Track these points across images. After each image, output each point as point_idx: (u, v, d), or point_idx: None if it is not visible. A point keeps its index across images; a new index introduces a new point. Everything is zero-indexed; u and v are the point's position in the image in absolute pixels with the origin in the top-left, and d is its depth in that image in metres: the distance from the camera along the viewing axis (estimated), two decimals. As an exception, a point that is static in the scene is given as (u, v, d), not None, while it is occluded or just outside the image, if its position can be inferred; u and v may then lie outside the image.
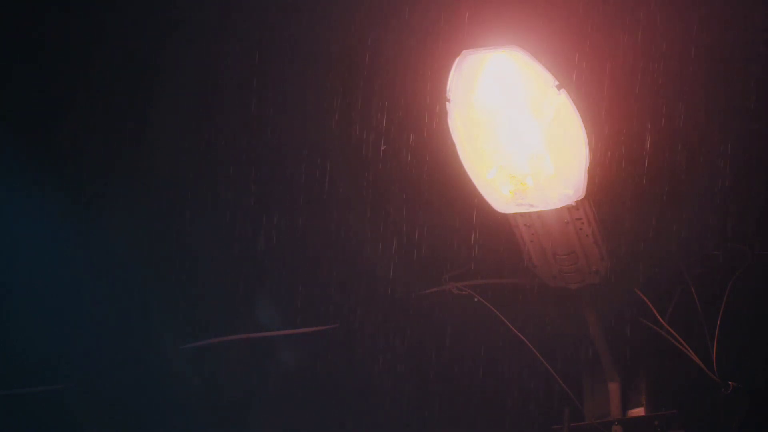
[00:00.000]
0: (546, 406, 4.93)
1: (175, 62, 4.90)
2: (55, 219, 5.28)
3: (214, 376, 5.46)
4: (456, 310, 5.00)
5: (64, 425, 5.60)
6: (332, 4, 4.64)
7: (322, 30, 4.70)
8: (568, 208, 4.10)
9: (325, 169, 4.97)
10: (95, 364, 5.49)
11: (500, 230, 4.41)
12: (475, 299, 4.85)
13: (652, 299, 4.70)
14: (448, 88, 3.93)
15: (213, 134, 5.03)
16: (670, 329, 4.69)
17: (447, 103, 3.95)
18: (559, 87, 3.87)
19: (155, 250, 5.29)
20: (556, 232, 4.20)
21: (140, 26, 4.81)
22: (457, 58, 3.87)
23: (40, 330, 5.47)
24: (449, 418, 5.26)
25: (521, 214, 4.17)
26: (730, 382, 4.62)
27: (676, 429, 4.67)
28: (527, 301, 4.79)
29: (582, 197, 4.05)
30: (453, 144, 4.03)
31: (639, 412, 4.75)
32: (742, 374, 4.64)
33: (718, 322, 4.63)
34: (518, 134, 3.99)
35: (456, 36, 3.95)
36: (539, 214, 4.15)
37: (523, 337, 4.83)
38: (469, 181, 4.08)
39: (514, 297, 4.84)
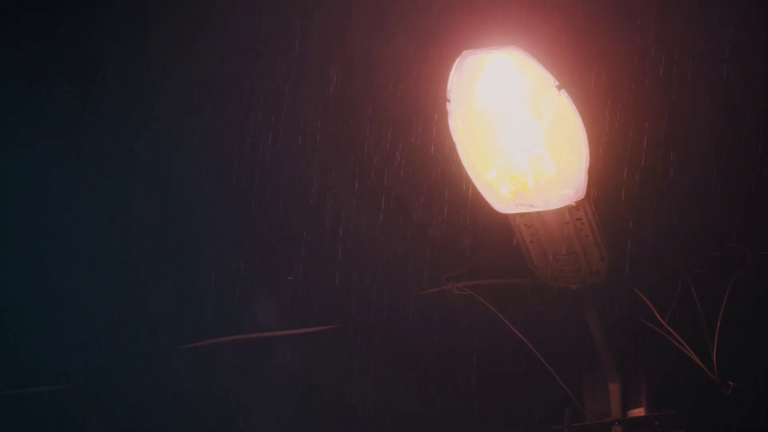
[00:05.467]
0: (546, 406, 4.93)
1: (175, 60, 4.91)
2: (56, 218, 5.28)
3: (214, 376, 5.46)
4: (456, 310, 5.00)
5: (64, 425, 5.60)
6: (332, 4, 4.64)
7: (323, 30, 4.70)
8: (569, 209, 4.10)
9: (325, 169, 4.97)
10: (95, 364, 5.49)
11: (500, 230, 4.41)
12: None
13: (652, 299, 4.70)
14: (448, 88, 3.92)
15: (211, 133, 5.03)
16: (670, 329, 4.69)
17: (447, 103, 3.95)
18: (559, 87, 3.87)
19: (154, 250, 5.30)
20: (556, 232, 4.20)
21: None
22: (457, 59, 3.87)
23: (40, 330, 5.47)
24: (449, 418, 5.26)
25: (521, 215, 4.16)
26: (730, 382, 4.62)
27: (676, 429, 4.67)
28: (527, 301, 4.79)
29: (582, 197, 4.05)
30: (453, 144, 4.03)
31: (639, 412, 4.75)
32: (742, 374, 4.64)
33: (718, 322, 4.63)
34: (518, 134, 3.99)
35: (456, 36, 3.95)
36: (539, 214, 4.15)
37: (523, 337, 4.83)
38: (469, 181, 4.08)
39: (514, 297, 4.84)
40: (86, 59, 4.92)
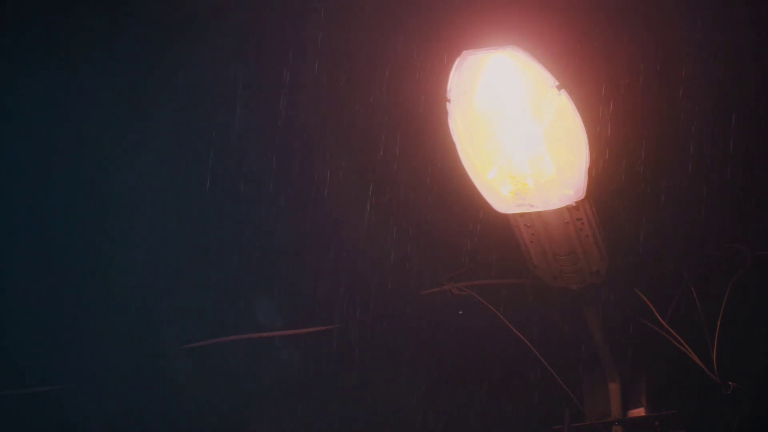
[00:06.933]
0: (546, 406, 4.93)
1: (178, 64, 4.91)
2: (56, 218, 5.29)
3: (214, 376, 5.46)
4: (456, 310, 5.00)
5: (64, 425, 5.60)
6: (333, 4, 4.64)
7: (323, 30, 4.70)
8: (569, 209, 4.10)
9: (326, 169, 4.97)
10: (95, 364, 5.49)
11: (500, 230, 4.41)
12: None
13: (652, 299, 4.70)
14: (448, 88, 3.92)
15: (211, 134, 5.03)
16: (670, 329, 4.69)
17: (447, 103, 3.95)
18: (559, 87, 3.87)
19: (155, 249, 5.30)
20: (556, 232, 4.20)
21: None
22: (458, 59, 3.87)
23: (40, 330, 5.47)
24: (449, 418, 5.26)
25: (521, 215, 4.16)
26: (730, 382, 4.62)
27: (676, 429, 4.67)
28: (527, 301, 4.79)
29: (582, 197, 4.05)
30: (453, 144, 4.03)
31: (639, 412, 4.75)
32: (742, 374, 4.64)
33: (718, 322, 4.63)
34: (518, 134, 3.99)
35: (456, 36, 3.95)
36: (539, 214, 4.15)
37: (523, 337, 4.83)
38: (470, 181, 4.08)
39: (514, 297, 4.84)
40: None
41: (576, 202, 4.07)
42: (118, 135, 5.06)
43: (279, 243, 5.20)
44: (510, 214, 4.17)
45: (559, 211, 4.12)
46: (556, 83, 3.86)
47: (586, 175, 4.00)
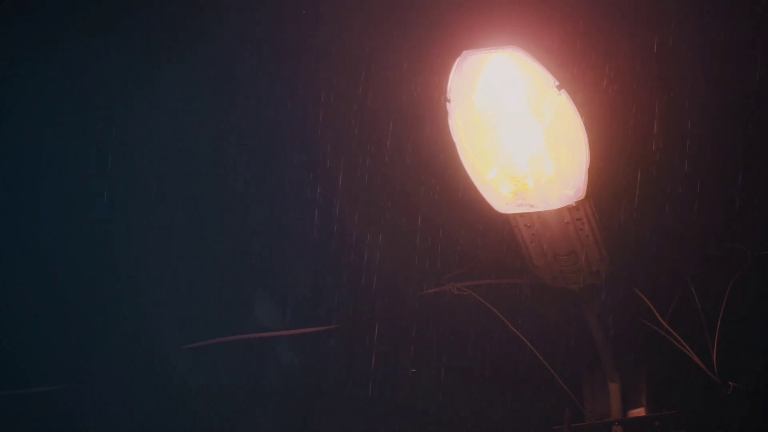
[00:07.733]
0: (546, 406, 4.93)
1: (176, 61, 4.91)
2: (56, 217, 5.29)
3: (214, 376, 5.46)
4: (456, 310, 5.00)
5: (64, 425, 5.60)
6: (333, 4, 4.64)
7: (323, 30, 4.70)
8: (569, 209, 4.10)
9: (325, 169, 4.97)
10: (95, 364, 5.49)
11: (500, 230, 4.41)
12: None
13: (652, 299, 4.70)
14: (448, 88, 3.93)
15: (211, 135, 5.03)
16: (670, 329, 4.69)
17: (447, 103, 3.95)
18: (559, 87, 3.87)
19: (154, 249, 5.30)
20: (556, 232, 4.20)
21: None
22: (458, 59, 3.87)
23: (40, 330, 5.46)
24: (449, 418, 5.26)
25: (521, 215, 4.17)
26: (730, 382, 4.62)
27: (676, 429, 4.67)
28: (527, 301, 4.79)
29: (582, 197, 4.05)
30: (453, 144, 4.03)
31: (639, 412, 4.75)
32: (742, 374, 4.64)
33: (718, 322, 4.63)
34: (519, 135, 4.00)
35: (456, 36, 3.95)
36: (539, 214, 4.15)
37: (523, 337, 4.83)
38: (470, 181, 4.08)
39: (514, 297, 4.84)
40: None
41: (576, 202, 4.07)
42: (118, 132, 5.06)
43: (279, 243, 5.19)
44: (510, 215, 4.17)
45: (559, 211, 4.12)
46: (556, 83, 3.86)
47: (586, 175, 4.00)
